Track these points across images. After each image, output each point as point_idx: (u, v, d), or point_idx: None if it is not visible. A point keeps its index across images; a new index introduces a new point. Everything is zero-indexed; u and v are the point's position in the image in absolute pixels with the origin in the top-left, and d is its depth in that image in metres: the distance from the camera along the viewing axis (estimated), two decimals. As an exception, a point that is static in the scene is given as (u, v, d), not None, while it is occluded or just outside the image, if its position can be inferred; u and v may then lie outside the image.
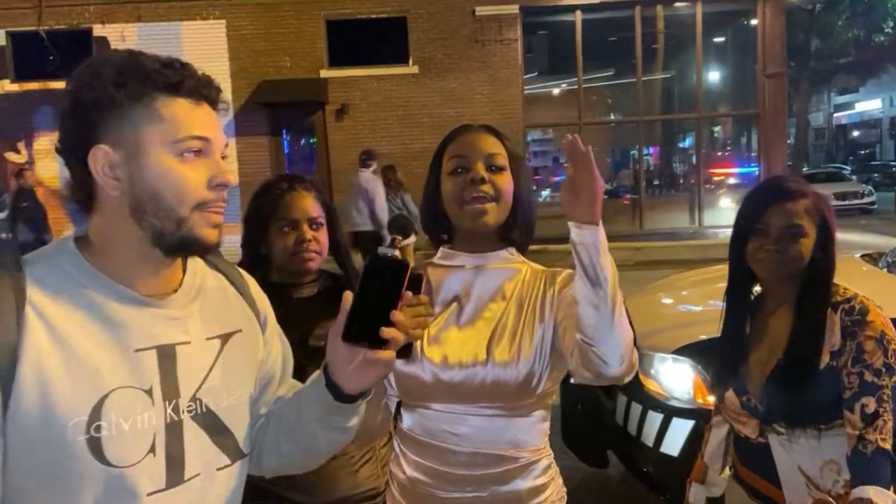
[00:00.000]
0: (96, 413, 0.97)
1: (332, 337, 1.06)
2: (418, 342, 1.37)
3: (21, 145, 13.30)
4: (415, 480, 1.48)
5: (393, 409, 1.54)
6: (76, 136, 1.02)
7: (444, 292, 1.53)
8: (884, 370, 1.64)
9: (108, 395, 0.98)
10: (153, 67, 1.01)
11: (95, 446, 0.96)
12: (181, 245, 1.04)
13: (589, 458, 3.69)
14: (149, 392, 1.02)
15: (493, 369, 1.41)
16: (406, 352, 1.30)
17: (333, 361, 1.08)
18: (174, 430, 1.04)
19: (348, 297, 1.05)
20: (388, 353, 1.04)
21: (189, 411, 1.06)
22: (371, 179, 8.18)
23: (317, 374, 1.13)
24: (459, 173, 1.47)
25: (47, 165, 13.27)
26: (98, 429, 0.97)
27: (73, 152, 1.02)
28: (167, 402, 1.03)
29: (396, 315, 1.03)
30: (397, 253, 1.04)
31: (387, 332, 1.02)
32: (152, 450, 1.01)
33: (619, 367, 1.25)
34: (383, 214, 7.92)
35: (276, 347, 1.27)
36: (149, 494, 1.01)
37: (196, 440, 1.06)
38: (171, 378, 1.04)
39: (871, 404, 1.62)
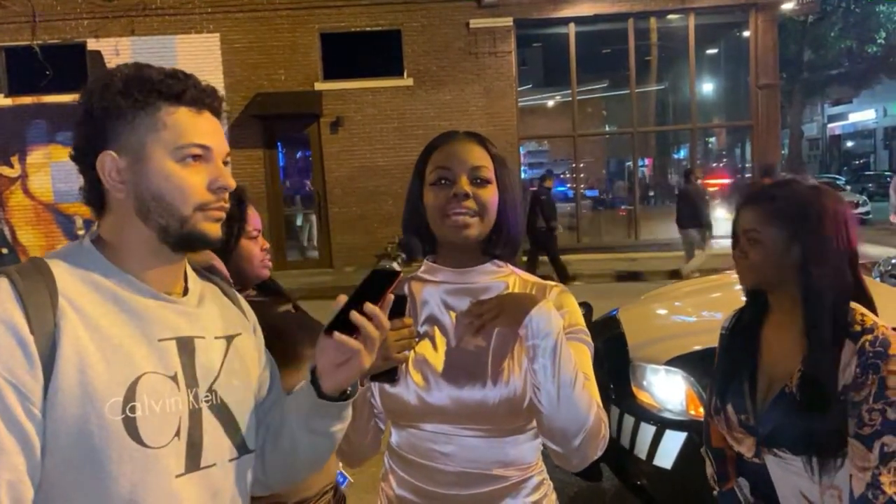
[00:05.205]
0: (131, 394, 1.03)
1: (320, 339, 1.10)
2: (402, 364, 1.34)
3: (15, 159, 13.26)
4: (403, 499, 1.44)
5: (384, 427, 1.50)
6: (87, 143, 1.10)
7: (428, 309, 1.48)
8: None
9: (140, 377, 1.04)
10: (158, 78, 1.09)
11: (131, 426, 1.02)
12: (186, 240, 1.11)
13: (582, 472, 3.65)
14: (174, 378, 1.09)
15: (479, 391, 1.36)
16: (391, 375, 1.28)
17: (320, 362, 1.12)
18: (195, 417, 1.10)
19: (342, 299, 1.10)
20: (354, 341, 1.07)
21: (206, 401, 1.13)
22: None
23: (304, 381, 1.18)
24: (443, 185, 1.41)
25: (40, 179, 13.26)
26: (133, 409, 1.03)
27: (85, 158, 1.11)
28: (189, 390, 1.10)
29: (368, 306, 1.07)
30: (395, 266, 1.13)
31: (355, 316, 1.06)
32: (177, 433, 1.07)
33: (575, 458, 1.31)
34: None
35: (265, 355, 1.33)
36: (176, 476, 1.07)
37: (212, 429, 1.13)
38: (191, 368, 1.12)
39: (892, 443, 1.52)
